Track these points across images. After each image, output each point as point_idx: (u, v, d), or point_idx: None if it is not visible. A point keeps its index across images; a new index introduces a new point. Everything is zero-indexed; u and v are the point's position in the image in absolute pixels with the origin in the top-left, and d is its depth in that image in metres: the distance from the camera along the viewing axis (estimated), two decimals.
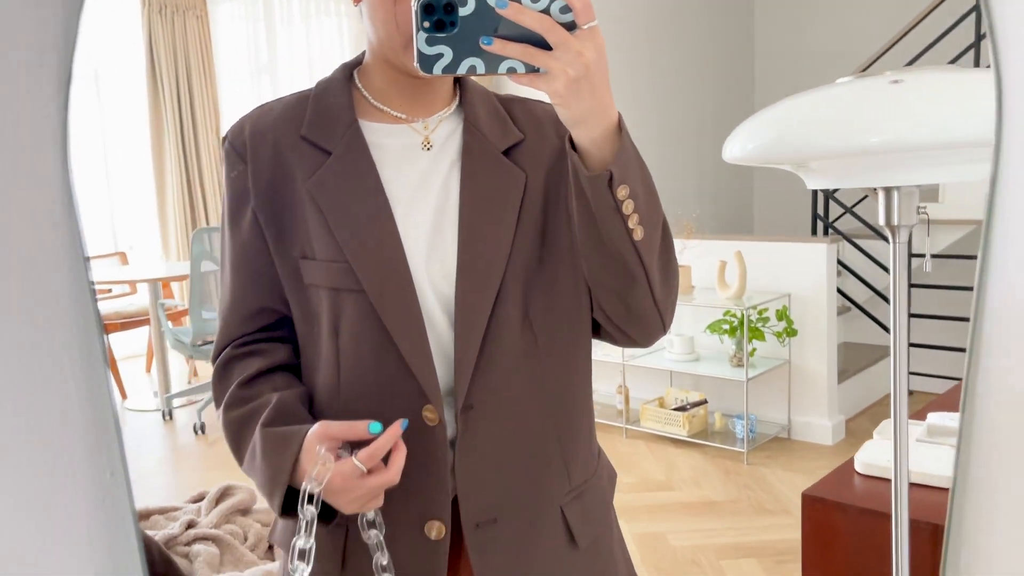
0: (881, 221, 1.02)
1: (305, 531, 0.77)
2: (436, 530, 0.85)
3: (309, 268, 0.85)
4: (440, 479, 0.85)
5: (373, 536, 0.82)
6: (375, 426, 0.78)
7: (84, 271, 0.50)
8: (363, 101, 0.90)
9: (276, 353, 0.90)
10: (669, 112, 5.08)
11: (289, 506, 0.81)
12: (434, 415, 0.83)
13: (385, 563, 0.82)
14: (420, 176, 0.87)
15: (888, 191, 0.98)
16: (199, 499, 1.81)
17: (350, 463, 0.76)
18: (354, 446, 0.81)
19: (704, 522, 2.95)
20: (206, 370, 5.21)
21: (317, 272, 0.85)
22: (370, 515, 0.82)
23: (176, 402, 4.47)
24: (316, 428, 0.79)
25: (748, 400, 3.72)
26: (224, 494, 1.71)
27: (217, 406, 0.89)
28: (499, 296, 0.84)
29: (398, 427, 0.77)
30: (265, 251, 0.88)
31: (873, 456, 1.39)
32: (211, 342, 4.07)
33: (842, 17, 5.66)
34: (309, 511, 0.76)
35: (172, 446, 3.96)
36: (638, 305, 0.83)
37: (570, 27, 0.68)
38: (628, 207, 0.76)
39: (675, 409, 3.70)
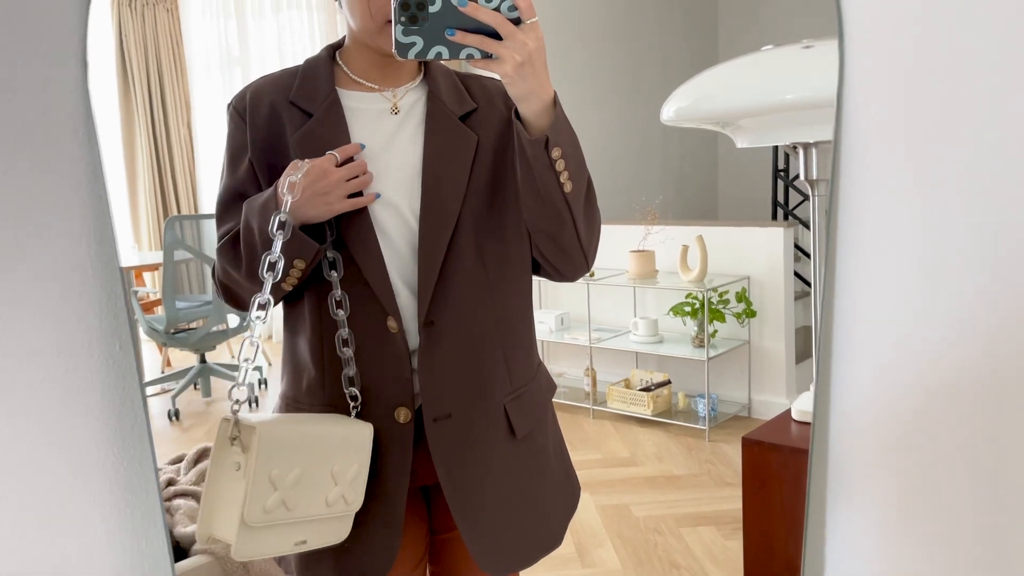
0: (802, 176, 1.13)
1: (281, 208, 0.96)
2: (403, 415, 1.05)
3: None
4: (403, 374, 1.06)
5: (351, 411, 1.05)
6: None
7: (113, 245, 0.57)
8: (343, 75, 1.08)
9: None
10: (635, 106, 5.22)
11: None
12: (395, 325, 1.04)
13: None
14: (389, 135, 1.06)
15: (807, 147, 1.09)
16: (178, 461, 1.89)
17: (328, 155, 0.98)
18: None
19: (666, 494, 3.07)
20: (179, 358, 5.25)
21: None
22: (354, 391, 1.05)
23: (150, 390, 4.52)
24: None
25: (709, 380, 3.86)
26: (202, 456, 1.80)
27: (215, 278, 1.10)
28: (455, 233, 1.00)
29: (358, 145, 1.01)
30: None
31: (808, 404, 1.51)
32: (184, 330, 4.12)
33: (811, 28, 5.82)
34: (287, 200, 0.96)
35: None
36: (567, 245, 1.03)
37: (516, 22, 0.86)
38: (560, 165, 0.94)
39: (640, 390, 3.82)
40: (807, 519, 0.60)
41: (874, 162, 0.54)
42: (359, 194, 1.00)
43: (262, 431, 0.91)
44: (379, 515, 1.06)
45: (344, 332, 1.02)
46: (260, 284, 0.97)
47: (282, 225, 0.94)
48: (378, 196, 1.01)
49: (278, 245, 0.94)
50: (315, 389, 1.07)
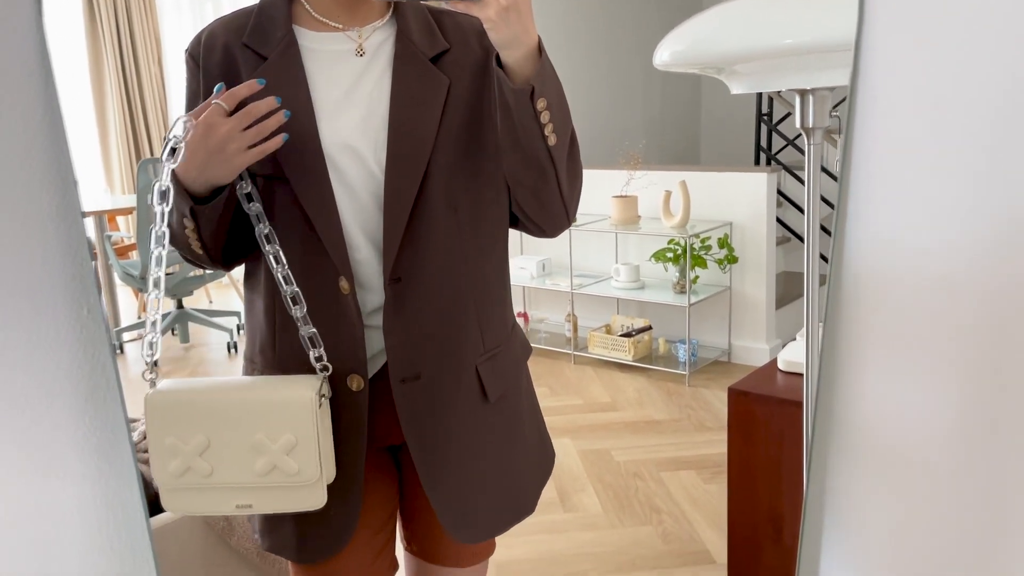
0: (798, 124, 1.09)
1: (166, 177, 0.90)
2: (356, 383, 0.99)
3: None
4: (355, 339, 0.98)
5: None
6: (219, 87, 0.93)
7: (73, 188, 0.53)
8: (304, 13, 1.00)
9: None
10: (618, 49, 5.12)
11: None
12: (347, 286, 0.97)
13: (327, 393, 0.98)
14: (353, 78, 0.98)
15: (803, 94, 1.05)
16: None
17: (213, 106, 0.88)
18: None
19: (646, 439, 3.10)
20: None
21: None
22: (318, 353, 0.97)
23: (126, 336, 4.46)
24: None
25: (690, 325, 3.87)
26: None
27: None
28: (424, 183, 0.95)
29: (254, 82, 0.90)
30: None
31: (793, 355, 1.50)
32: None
33: None
34: (169, 155, 0.89)
35: (124, 378, 3.97)
36: (548, 199, 0.98)
37: None
38: (545, 117, 0.89)
39: (621, 335, 3.83)
40: (808, 473, 0.58)
41: (891, 109, 0.51)
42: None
43: (148, 400, 0.91)
44: (336, 481, 1.01)
45: (288, 289, 0.95)
46: (189, 250, 0.98)
47: (163, 196, 0.88)
48: (286, 139, 0.92)
49: (164, 213, 0.89)
50: (266, 348, 1.02)
